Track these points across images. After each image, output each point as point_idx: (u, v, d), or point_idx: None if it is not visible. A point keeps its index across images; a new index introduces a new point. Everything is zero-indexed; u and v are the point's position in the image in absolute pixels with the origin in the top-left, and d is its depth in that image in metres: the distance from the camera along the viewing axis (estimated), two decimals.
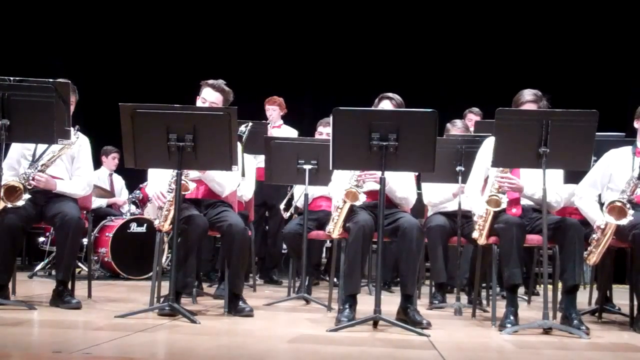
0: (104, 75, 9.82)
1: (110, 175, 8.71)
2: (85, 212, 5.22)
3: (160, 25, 10.19)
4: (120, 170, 8.70)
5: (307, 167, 5.43)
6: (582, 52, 9.72)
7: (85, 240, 6.21)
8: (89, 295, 5.27)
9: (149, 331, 3.80)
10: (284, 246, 7.39)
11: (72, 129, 4.69)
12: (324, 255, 7.64)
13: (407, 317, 4.32)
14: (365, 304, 4.51)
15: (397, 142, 4.06)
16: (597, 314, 5.03)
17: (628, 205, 4.25)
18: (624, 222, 4.24)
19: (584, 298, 5.65)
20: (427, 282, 6.26)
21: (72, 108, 4.73)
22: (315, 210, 6.08)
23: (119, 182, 8.82)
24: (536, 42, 9.85)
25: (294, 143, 5.77)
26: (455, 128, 6.02)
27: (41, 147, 4.83)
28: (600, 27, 9.64)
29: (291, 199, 6.51)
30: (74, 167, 4.96)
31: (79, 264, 7.03)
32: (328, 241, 6.46)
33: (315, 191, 6.12)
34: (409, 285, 4.40)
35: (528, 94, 4.59)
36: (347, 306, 4.33)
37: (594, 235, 4.46)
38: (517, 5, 9.91)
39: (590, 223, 4.61)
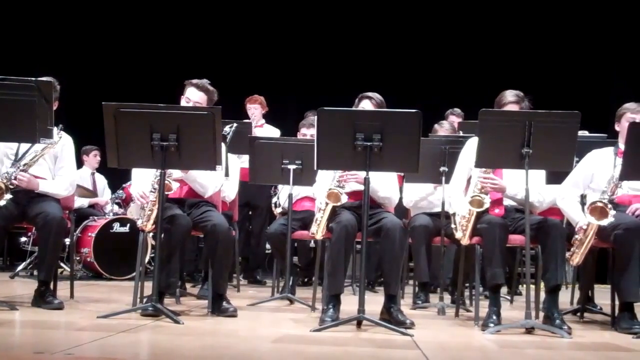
0: (87, 75, 9.76)
1: (93, 174, 8.67)
2: (67, 211, 5.19)
3: (144, 24, 10.14)
4: (102, 169, 8.66)
5: (292, 167, 5.44)
6: (564, 53, 9.79)
7: (67, 240, 6.17)
8: (72, 296, 5.24)
9: (132, 332, 3.79)
10: (268, 246, 7.41)
11: (55, 128, 4.66)
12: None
13: (391, 317, 4.33)
14: (349, 304, 4.51)
15: (381, 143, 4.07)
16: (579, 314, 5.07)
17: (609, 206, 4.29)
18: (605, 222, 4.28)
19: (566, 298, 5.68)
20: (411, 282, 6.28)
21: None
22: (299, 210, 6.08)
23: (102, 181, 8.78)
24: (519, 44, 9.89)
25: (278, 143, 5.77)
26: (442, 129, 6.06)
27: (24, 146, 4.77)
28: (582, 29, 9.71)
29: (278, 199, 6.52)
30: (56, 167, 4.92)
31: (61, 264, 6.98)
32: (312, 241, 6.46)
33: (299, 191, 6.12)
34: (393, 285, 4.41)
35: (510, 95, 4.62)
36: (330, 306, 4.33)
37: (576, 236, 4.49)
38: (500, 6, 9.96)
39: (572, 224, 4.64)
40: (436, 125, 6.16)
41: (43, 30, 9.79)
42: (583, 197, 4.83)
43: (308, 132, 6.21)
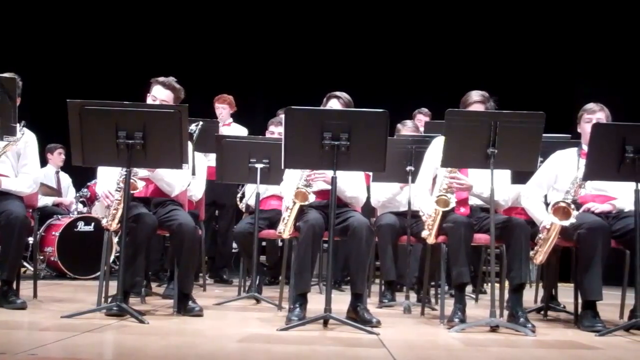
0: (51, 71, 9.63)
1: (57, 172, 8.57)
2: (31, 210, 5.11)
3: (110, 21, 10.04)
4: (67, 168, 8.56)
5: (259, 166, 5.43)
6: (528, 54, 9.90)
7: (30, 239, 6.09)
8: (35, 295, 5.17)
9: (97, 331, 3.75)
10: (234, 245, 7.39)
11: (17, 125, 4.59)
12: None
13: (357, 315, 4.34)
14: (315, 302, 4.52)
15: (348, 142, 4.08)
16: (542, 312, 5.14)
17: (572, 206, 4.34)
18: (568, 222, 4.33)
19: (530, 296, 5.76)
20: (377, 280, 6.31)
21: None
22: (266, 209, 6.07)
23: (66, 180, 8.68)
24: (484, 44, 10.00)
25: (246, 142, 5.76)
26: (406, 128, 6.09)
27: None
28: (546, 30, 9.83)
29: (243, 196, 6.52)
30: (20, 164, 4.85)
31: (25, 264, 6.90)
32: (279, 240, 6.46)
33: (266, 190, 6.11)
34: (359, 284, 4.43)
35: (476, 95, 4.66)
36: (297, 305, 4.34)
37: (540, 235, 4.54)
38: (467, 7, 10.05)
39: (537, 223, 4.69)
40: (399, 125, 6.17)
41: (4, 25, 9.63)
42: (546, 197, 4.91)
43: (276, 130, 6.21)
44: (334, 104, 4.71)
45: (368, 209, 5.74)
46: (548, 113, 4.23)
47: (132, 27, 10.05)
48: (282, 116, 5.91)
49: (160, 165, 4.52)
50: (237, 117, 7.65)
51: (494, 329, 4.21)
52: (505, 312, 4.48)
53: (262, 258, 6.95)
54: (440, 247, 4.61)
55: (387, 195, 5.68)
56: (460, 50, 10.02)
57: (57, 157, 8.56)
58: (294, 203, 4.63)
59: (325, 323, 4.15)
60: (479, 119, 4.31)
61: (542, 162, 4.76)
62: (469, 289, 5.61)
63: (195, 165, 5.37)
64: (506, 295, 4.53)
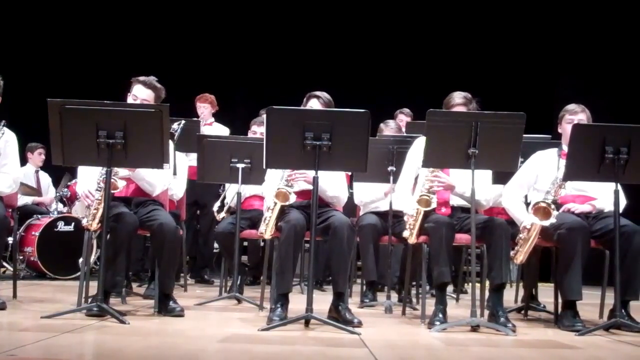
0: (31, 70, 9.57)
1: (37, 172, 8.52)
2: (10, 210, 5.07)
3: (90, 20, 9.99)
4: (47, 167, 8.51)
5: (240, 165, 5.41)
6: (509, 55, 9.96)
7: (10, 239, 6.04)
8: (14, 296, 5.14)
9: (77, 332, 3.73)
10: (216, 245, 7.37)
11: None
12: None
13: (339, 315, 4.35)
14: (297, 302, 4.52)
15: (330, 142, 4.08)
16: (523, 312, 5.17)
17: (552, 206, 4.37)
18: (548, 222, 4.36)
19: (511, 296, 5.78)
20: (359, 280, 6.32)
21: None
22: (248, 209, 6.06)
23: (46, 179, 8.63)
24: (466, 45, 10.05)
25: (227, 141, 5.74)
26: (389, 128, 6.10)
27: None
28: (527, 32, 9.90)
29: (224, 200, 6.48)
30: None
31: (4, 264, 6.85)
32: (261, 240, 6.45)
33: (248, 190, 6.10)
34: (340, 283, 4.43)
35: (458, 96, 4.67)
36: (278, 305, 4.33)
37: (520, 235, 4.56)
38: (447, 8, 10.09)
39: (517, 223, 4.72)
40: (382, 125, 6.19)
41: None
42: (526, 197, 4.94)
43: (259, 129, 6.20)
44: (314, 104, 4.71)
45: (349, 209, 5.74)
46: (528, 114, 4.26)
47: (113, 26, 10.00)
48: (265, 116, 5.91)
49: (141, 165, 4.50)
50: (219, 117, 7.63)
51: (474, 328, 4.23)
52: (486, 312, 4.50)
53: (244, 258, 6.94)
54: (421, 247, 4.62)
55: (370, 197, 5.69)
56: (442, 51, 10.06)
57: (37, 157, 8.51)
58: (275, 203, 4.62)
59: (307, 323, 4.15)
60: (459, 119, 4.33)
61: (522, 162, 4.79)
62: (449, 288, 5.62)
63: (176, 164, 5.36)
64: (487, 295, 4.55)
